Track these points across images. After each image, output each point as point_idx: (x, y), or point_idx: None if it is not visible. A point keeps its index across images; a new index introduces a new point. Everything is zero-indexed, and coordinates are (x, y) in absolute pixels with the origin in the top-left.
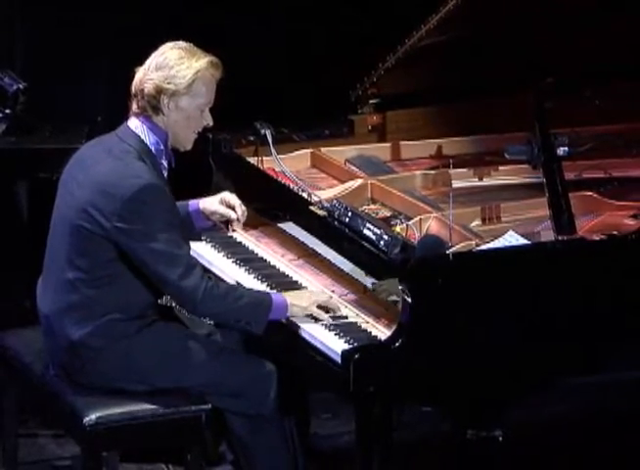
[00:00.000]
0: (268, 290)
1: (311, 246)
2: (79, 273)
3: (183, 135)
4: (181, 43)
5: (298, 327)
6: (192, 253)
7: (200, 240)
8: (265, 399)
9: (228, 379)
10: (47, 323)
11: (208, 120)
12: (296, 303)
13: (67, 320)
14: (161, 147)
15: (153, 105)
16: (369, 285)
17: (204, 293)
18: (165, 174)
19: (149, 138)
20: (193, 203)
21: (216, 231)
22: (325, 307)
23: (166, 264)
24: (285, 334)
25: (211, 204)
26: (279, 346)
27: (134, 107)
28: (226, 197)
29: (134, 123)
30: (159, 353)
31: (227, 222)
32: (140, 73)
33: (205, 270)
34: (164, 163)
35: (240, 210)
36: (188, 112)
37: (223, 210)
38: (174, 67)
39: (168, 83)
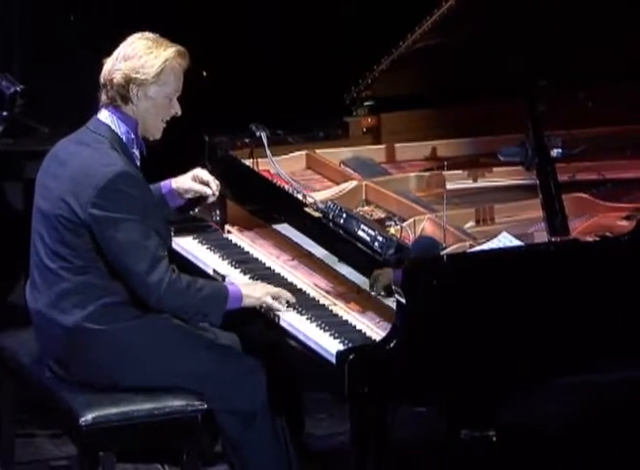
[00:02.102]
0: None
1: (306, 247)
2: (63, 262)
3: (152, 124)
4: (148, 34)
5: (293, 327)
6: (188, 255)
7: (175, 218)
8: (254, 395)
9: (217, 373)
10: (39, 318)
11: (177, 109)
12: (249, 294)
13: (59, 309)
14: (132, 136)
15: (122, 94)
16: (363, 286)
17: (167, 286)
18: (138, 163)
19: (119, 128)
20: (165, 184)
21: (211, 232)
22: (278, 298)
23: (134, 255)
24: (279, 334)
25: (184, 182)
26: (272, 345)
27: (103, 97)
28: (198, 174)
29: (104, 115)
30: (150, 344)
31: (201, 198)
32: (108, 64)
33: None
34: (136, 152)
35: (214, 184)
36: (157, 100)
37: (198, 186)
38: (143, 56)
39: (137, 73)
